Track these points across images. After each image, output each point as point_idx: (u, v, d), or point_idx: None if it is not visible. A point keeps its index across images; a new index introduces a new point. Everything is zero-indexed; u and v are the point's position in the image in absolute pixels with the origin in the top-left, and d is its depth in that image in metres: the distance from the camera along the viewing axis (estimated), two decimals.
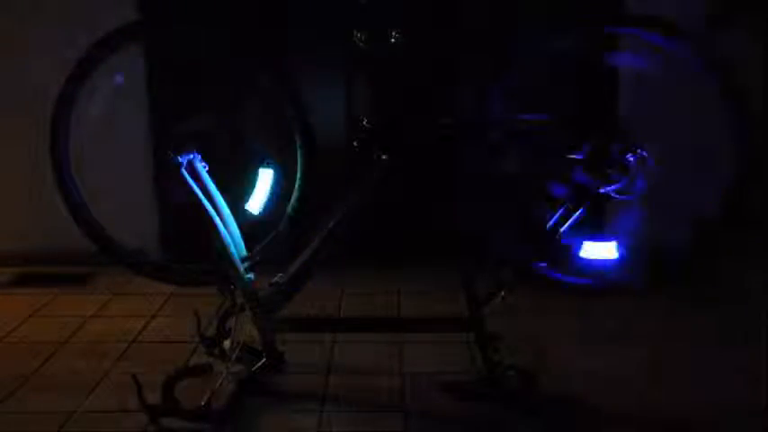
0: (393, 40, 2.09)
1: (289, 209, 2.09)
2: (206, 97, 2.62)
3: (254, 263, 2.06)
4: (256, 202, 2.13)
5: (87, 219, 2.13)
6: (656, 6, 2.21)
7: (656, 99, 2.43)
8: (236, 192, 2.12)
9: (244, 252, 2.06)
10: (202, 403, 1.85)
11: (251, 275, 2.03)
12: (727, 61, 2.02)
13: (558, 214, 2.13)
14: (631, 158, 2.04)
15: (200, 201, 1.97)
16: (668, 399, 1.97)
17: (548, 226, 2.14)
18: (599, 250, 2.18)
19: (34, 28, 2.85)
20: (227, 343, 1.98)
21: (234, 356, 1.97)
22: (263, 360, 2.04)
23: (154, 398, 1.85)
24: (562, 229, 2.12)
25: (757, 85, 2.57)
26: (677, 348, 2.24)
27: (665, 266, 2.17)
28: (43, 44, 2.82)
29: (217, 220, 1.98)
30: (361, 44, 2.12)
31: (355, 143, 2.06)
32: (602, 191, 2.07)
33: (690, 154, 2.42)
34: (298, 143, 2.06)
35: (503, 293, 2.00)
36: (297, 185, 2.08)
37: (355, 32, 2.13)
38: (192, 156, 2.02)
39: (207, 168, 2.05)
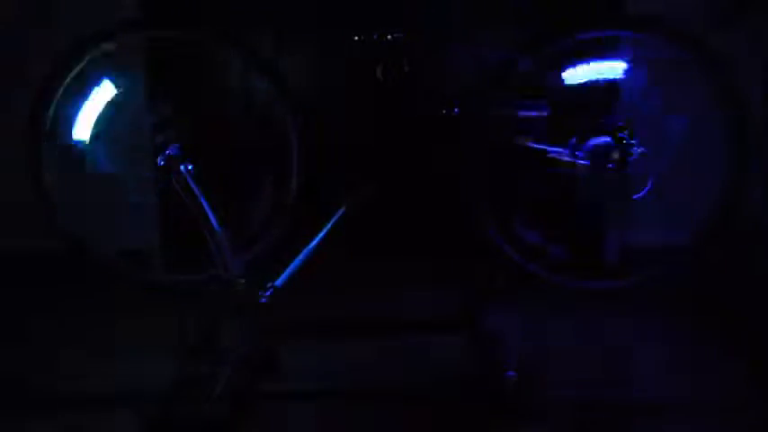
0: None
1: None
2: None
3: (246, 266, 2.06)
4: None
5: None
6: (656, 7, 2.21)
7: (656, 100, 2.42)
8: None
9: None
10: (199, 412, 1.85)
11: (243, 279, 2.02)
12: (728, 61, 2.01)
13: (555, 215, 2.14)
14: (630, 159, 2.04)
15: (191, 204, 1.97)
16: None
17: (545, 227, 2.15)
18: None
19: None
20: (219, 349, 1.98)
21: (228, 363, 1.97)
22: (258, 366, 2.03)
23: None
24: (560, 231, 2.13)
25: (757, 86, 2.56)
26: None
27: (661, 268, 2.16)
28: None
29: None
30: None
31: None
32: (600, 192, 2.07)
33: (689, 155, 2.41)
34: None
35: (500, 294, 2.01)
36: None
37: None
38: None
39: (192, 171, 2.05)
